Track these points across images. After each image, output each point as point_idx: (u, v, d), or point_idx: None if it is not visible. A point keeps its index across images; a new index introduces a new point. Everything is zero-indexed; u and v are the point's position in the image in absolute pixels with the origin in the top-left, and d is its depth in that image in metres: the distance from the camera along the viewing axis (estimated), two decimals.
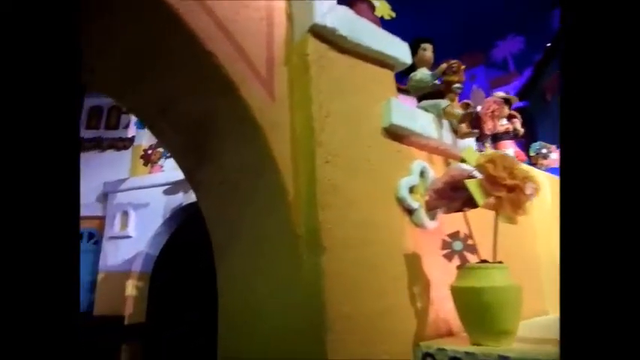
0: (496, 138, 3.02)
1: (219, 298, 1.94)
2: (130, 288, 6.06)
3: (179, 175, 6.22)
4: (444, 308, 1.64)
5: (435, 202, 1.60)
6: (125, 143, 7.23)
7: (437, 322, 1.61)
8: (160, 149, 6.96)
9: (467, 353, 1.29)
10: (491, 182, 1.41)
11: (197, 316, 5.89)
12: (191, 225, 6.36)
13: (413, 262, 1.59)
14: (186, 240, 6.36)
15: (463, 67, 1.91)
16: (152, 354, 5.48)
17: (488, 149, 2.66)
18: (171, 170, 6.63)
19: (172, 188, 6.29)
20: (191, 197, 6.11)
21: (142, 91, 1.76)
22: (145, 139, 7.09)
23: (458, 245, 1.47)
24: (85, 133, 7.31)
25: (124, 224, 6.39)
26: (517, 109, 3.46)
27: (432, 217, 1.72)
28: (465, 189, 1.47)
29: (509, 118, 3.12)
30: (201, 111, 1.67)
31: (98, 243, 6.63)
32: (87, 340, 5.27)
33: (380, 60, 1.82)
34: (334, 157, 1.48)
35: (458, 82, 1.91)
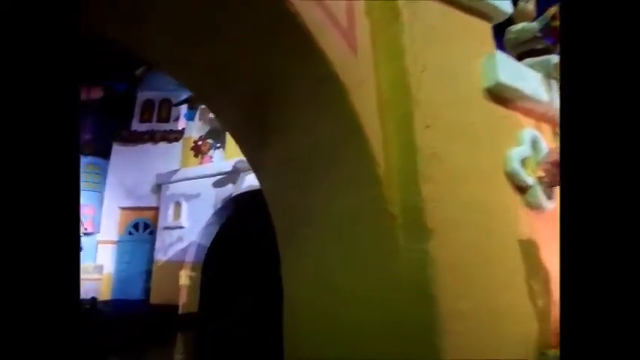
0: None
1: (285, 290, 1.74)
2: (184, 278, 6.12)
3: (228, 165, 6.20)
4: None
5: (557, 177, 1.29)
6: (176, 135, 7.32)
7: (558, 324, 1.30)
8: (210, 140, 6.99)
9: None
10: None
11: (249, 306, 5.85)
12: (241, 215, 6.32)
13: (530, 250, 1.29)
14: (237, 231, 6.33)
15: None
16: (205, 343, 5.50)
17: None
18: (220, 161, 6.64)
19: (222, 179, 6.27)
20: (241, 188, 6.05)
21: (199, 58, 1.57)
22: (195, 130, 7.13)
23: None
24: (139, 127, 7.50)
25: (177, 215, 6.46)
26: None
27: (550, 196, 1.40)
28: None
29: None
30: (268, 75, 1.44)
31: (153, 233, 6.78)
32: (144, 329, 5.38)
33: (476, 9, 1.51)
34: (435, 120, 1.20)
35: None
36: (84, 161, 7.45)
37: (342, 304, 1.36)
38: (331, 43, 1.23)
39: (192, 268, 6.19)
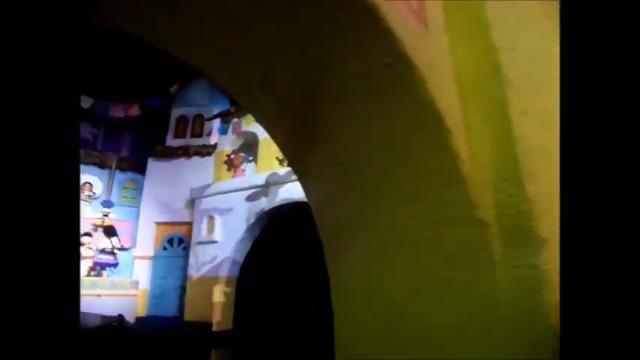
0: None
1: (335, 307, 1.53)
2: (218, 294, 6.00)
3: (261, 179, 6.11)
4: None
5: None
6: (209, 149, 7.33)
7: None
8: (242, 154, 6.95)
9: None
10: None
11: (286, 319, 5.63)
12: (274, 229, 6.18)
13: None
14: (271, 245, 6.18)
15: None
16: (240, 358, 5.33)
17: None
18: (252, 174, 6.56)
19: (255, 193, 6.17)
20: (274, 201, 5.93)
21: (241, 52, 1.42)
22: (228, 144, 7.12)
23: None
24: (173, 142, 7.59)
25: (211, 229, 6.39)
26: None
27: None
28: None
29: None
30: (321, 61, 1.27)
31: (187, 248, 6.74)
32: (177, 346, 5.28)
33: None
34: (530, 107, 0.99)
35: None
36: (123, 177, 7.59)
37: (413, 335, 1.13)
38: (399, 19, 1.05)
39: (227, 284, 6.07)
